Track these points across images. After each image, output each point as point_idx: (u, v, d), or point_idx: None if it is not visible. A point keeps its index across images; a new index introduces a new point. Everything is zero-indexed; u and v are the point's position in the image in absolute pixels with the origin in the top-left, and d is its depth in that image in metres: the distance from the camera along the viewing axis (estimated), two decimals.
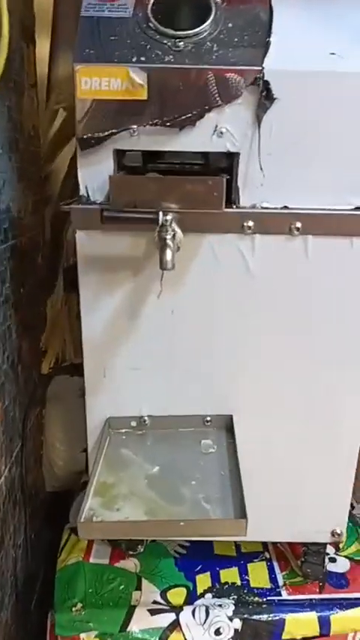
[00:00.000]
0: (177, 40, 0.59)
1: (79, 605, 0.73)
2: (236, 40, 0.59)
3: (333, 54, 0.58)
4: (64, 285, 0.92)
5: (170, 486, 0.60)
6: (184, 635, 0.71)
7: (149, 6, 0.60)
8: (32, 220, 0.90)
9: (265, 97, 0.58)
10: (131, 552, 0.81)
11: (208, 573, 0.79)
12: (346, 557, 0.84)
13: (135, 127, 0.59)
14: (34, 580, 0.91)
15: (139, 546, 0.81)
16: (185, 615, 0.72)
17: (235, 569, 0.80)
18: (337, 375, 0.67)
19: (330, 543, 0.78)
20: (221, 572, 0.80)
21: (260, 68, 0.57)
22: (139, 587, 0.76)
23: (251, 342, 0.66)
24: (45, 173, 1.01)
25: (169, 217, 0.55)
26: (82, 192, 0.62)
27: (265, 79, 0.57)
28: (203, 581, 0.78)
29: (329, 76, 0.58)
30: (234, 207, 0.62)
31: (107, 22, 0.60)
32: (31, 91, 0.92)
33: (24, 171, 0.84)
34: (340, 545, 0.85)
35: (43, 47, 0.97)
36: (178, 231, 0.56)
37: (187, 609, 0.73)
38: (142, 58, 0.58)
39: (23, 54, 0.86)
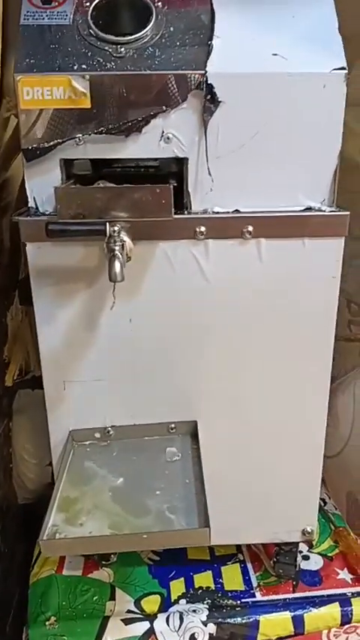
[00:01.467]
0: (118, 46, 0.58)
1: (53, 618, 0.72)
2: (178, 43, 0.58)
3: (276, 55, 0.58)
4: (19, 298, 0.91)
5: (135, 498, 0.59)
6: None
7: (89, 12, 0.59)
8: None
9: (210, 101, 0.57)
10: (104, 562, 0.80)
11: (182, 579, 0.79)
12: (319, 554, 0.85)
13: (80, 135, 0.58)
14: (9, 596, 0.90)
15: (112, 556, 0.80)
16: (159, 623, 0.72)
17: (209, 573, 0.80)
18: (297, 375, 0.67)
19: (302, 542, 0.79)
20: (195, 576, 0.80)
21: (203, 72, 0.57)
22: (112, 597, 0.76)
23: (211, 345, 0.66)
24: (1, 181, 0.99)
25: (116, 228, 0.55)
26: (31, 203, 0.61)
27: (209, 82, 0.57)
28: (177, 587, 0.78)
29: (273, 78, 0.58)
30: (186, 212, 0.61)
31: (47, 29, 0.59)
32: None
33: None
34: (313, 543, 0.86)
35: None
36: (128, 240, 0.56)
37: (162, 617, 0.73)
38: (84, 66, 0.57)
39: None
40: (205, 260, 0.62)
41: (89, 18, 0.59)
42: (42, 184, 0.60)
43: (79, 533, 0.54)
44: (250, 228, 0.61)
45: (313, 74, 0.58)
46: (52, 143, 0.58)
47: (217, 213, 0.61)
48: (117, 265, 0.53)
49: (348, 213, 0.61)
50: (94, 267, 0.62)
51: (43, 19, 0.60)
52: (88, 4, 0.60)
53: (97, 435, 0.69)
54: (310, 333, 0.65)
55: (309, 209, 0.62)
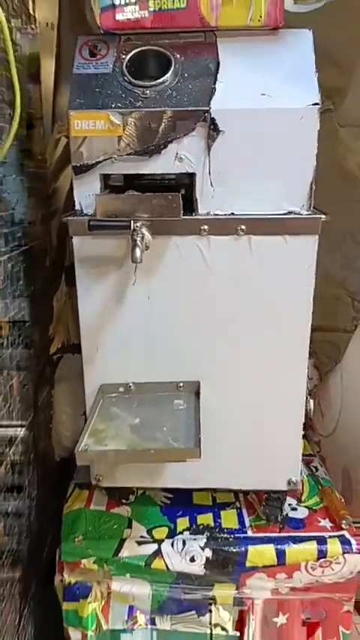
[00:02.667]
0: (145, 89, 0.77)
1: (81, 537, 0.90)
2: (190, 86, 0.77)
3: (264, 94, 0.76)
4: (65, 281, 1.11)
5: (147, 431, 0.77)
6: (164, 561, 0.87)
7: (125, 63, 0.79)
8: (41, 229, 1.09)
9: (213, 130, 0.75)
10: (124, 501, 0.98)
11: (187, 517, 0.95)
12: (306, 507, 0.99)
13: (115, 156, 0.77)
14: (45, 534, 1.08)
15: (131, 496, 0.98)
16: (166, 546, 0.89)
17: (209, 515, 0.96)
18: (281, 344, 0.83)
19: (288, 491, 0.94)
20: (198, 516, 0.96)
21: (208, 108, 0.75)
22: (129, 526, 0.93)
23: (212, 320, 0.84)
24: (51, 190, 1.20)
25: (138, 224, 0.73)
26: (77, 207, 0.81)
27: (212, 116, 0.75)
28: (182, 523, 0.94)
29: (261, 112, 0.76)
30: (193, 214, 0.79)
31: (93, 77, 0.79)
32: (38, 122, 1.11)
33: (34, 189, 1.03)
34: (302, 498, 1.01)
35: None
36: (147, 234, 0.74)
37: (168, 541, 0.89)
38: (119, 104, 0.76)
39: (31, 95, 1.05)
40: (208, 251, 0.80)
41: (124, 67, 0.79)
42: (86, 193, 0.79)
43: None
44: (243, 227, 0.78)
45: (293, 109, 0.75)
46: (94, 162, 0.78)
47: (217, 215, 0.79)
48: (137, 251, 0.72)
49: (321, 216, 0.78)
50: (122, 255, 0.81)
51: (90, 68, 0.80)
52: (124, 56, 0.80)
53: (121, 390, 0.87)
54: (291, 310, 0.82)
55: (290, 212, 0.79)
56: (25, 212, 0.97)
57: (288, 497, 0.97)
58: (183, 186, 0.82)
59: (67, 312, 1.13)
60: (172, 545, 0.89)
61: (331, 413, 1.19)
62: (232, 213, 0.79)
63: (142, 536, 0.91)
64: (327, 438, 1.24)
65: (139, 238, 0.73)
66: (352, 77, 1.06)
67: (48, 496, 1.11)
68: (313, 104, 0.75)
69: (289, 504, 0.98)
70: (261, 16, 0.77)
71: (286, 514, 0.96)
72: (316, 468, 1.11)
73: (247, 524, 0.95)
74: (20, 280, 0.94)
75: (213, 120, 0.75)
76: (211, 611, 0.91)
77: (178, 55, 0.79)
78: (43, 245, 1.11)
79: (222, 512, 0.97)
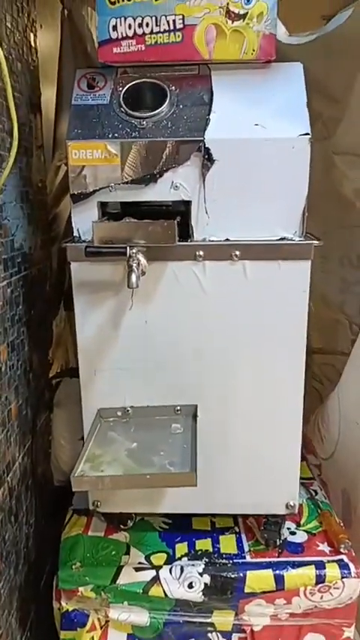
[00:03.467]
0: (141, 120, 0.79)
1: (78, 564, 0.89)
2: (185, 117, 0.79)
3: (257, 125, 0.78)
4: (64, 305, 1.12)
5: (144, 456, 0.77)
6: (162, 587, 0.87)
7: (121, 95, 0.81)
8: (41, 255, 1.11)
9: (207, 160, 0.77)
10: (122, 527, 0.97)
11: (186, 543, 0.95)
12: (304, 531, 0.98)
13: (112, 184, 0.79)
14: (43, 561, 1.07)
15: (129, 521, 0.97)
16: (164, 572, 0.88)
17: (208, 540, 0.95)
18: (277, 368, 0.84)
19: (286, 515, 0.93)
20: (197, 542, 0.95)
21: (202, 138, 0.77)
22: (127, 553, 0.92)
23: (209, 344, 0.84)
24: (51, 216, 1.22)
25: (134, 250, 0.75)
26: (75, 233, 0.82)
27: (207, 146, 0.77)
28: (181, 548, 0.94)
29: (254, 142, 0.78)
30: (189, 240, 0.81)
31: (91, 108, 0.82)
32: (39, 151, 1.13)
33: (33, 216, 1.05)
34: (301, 522, 1.00)
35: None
36: (143, 260, 0.76)
37: (166, 568, 0.89)
38: (116, 135, 0.79)
39: (32, 124, 1.08)
40: (203, 276, 0.81)
41: (121, 99, 0.81)
42: (84, 220, 0.81)
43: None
44: (238, 253, 0.80)
45: (285, 139, 0.77)
46: (91, 190, 0.79)
47: (212, 241, 0.80)
48: (133, 276, 0.73)
49: (313, 242, 0.79)
50: (119, 280, 0.82)
51: (88, 100, 0.83)
52: (120, 88, 0.83)
53: (119, 413, 0.87)
54: (286, 335, 0.83)
55: (283, 239, 0.80)
56: (25, 238, 0.99)
57: (287, 522, 0.96)
58: (179, 213, 0.83)
59: (66, 336, 1.14)
60: (171, 571, 0.88)
61: (330, 435, 1.19)
62: (227, 239, 0.80)
63: (140, 563, 0.90)
64: (326, 460, 1.24)
65: (135, 264, 0.74)
66: (345, 107, 1.09)
67: (46, 522, 1.10)
68: (304, 134, 0.77)
69: (288, 528, 0.98)
70: (254, 50, 0.79)
71: (285, 538, 0.95)
72: (315, 491, 1.11)
73: (246, 549, 0.94)
74: (20, 305, 0.95)
75: (207, 149, 0.77)
76: (210, 638, 0.89)
77: (174, 87, 0.82)
78: (44, 270, 1.13)
79: (221, 538, 0.96)
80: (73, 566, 0.89)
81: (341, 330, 1.31)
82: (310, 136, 0.77)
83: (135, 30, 0.79)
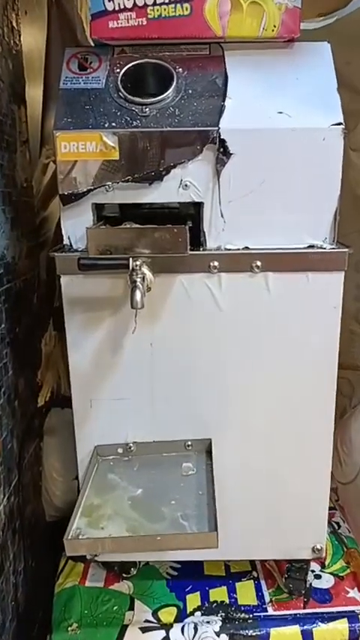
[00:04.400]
0: (143, 106, 0.67)
1: (75, 625, 0.77)
2: (195, 104, 0.67)
3: (281, 113, 0.66)
4: (54, 324, 1.00)
5: (151, 506, 0.65)
6: None
7: (119, 77, 0.69)
8: (28, 264, 0.98)
9: (223, 153, 0.65)
10: (125, 575, 0.85)
11: (198, 593, 0.83)
12: (330, 573, 0.87)
13: (110, 183, 0.67)
14: (35, 606, 0.95)
15: (132, 569, 0.85)
16: (175, 632, 0.76)
17: (224, 589, 0.84)
18: (303, 398, 0.73)
19: (312, 559, 0.82)
20: (210, 591, 0.83)
21: (217, 128, 0.65)
22: (131, 608, 0.80)
23: (225, 369, 0.73)
24: (39, 219, 1.09)
25: (138, 262, 0.62)
26: (66, 241, 0.70)
27: (222, 137, 0.65)
28: (193, 600, 0.82)
29: (278, 133, 0.66)
30: (201, 249, 0.69)
31: (83, 92, 0.69)
32: (24, 147, 1.01)
33: (18, 220, 0.92)
34: (326, 563, 0.89)
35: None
36: (148, 273, 0.63)
37: (177, 626, 0.77)
38: (114, 124, 0.66)
39: (15, 116, 0.95)
40: (219, 291, 0.69)
41: (119, 82, 0.69)
42: (76, 225, 0.68)
43: (100, 535, 0.60)
44: (259, 263, 0.68)
45: (314, 129, 0.66)
46: (85, 190, 0.67)
47: (229, 249, 0.68)
48: (138, 294, 0.61)
49: (347, 250, 0.68)
50: (119, 297, 0.70)
51: (80, 83, 0.70)
52: (118, 70, 0.70)
53: (120, 451, 0.75)
54: (315, 358, 0.71)
55: (311, 247, 0.68)
56: (7, 246, 0.86)
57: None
58: (188, 216, 0.71)
59: (57, 355, 1.01)
60: (183, 630, 0.76)
61: (352, 459, 1.08)
62: (247, 248, 0.68)
63: (146, 620, 0.78)
64: (347, 485, 1.13)
65: (139, 279, 0.62)
66: None
67: (37, 565, 0.97)
68: (336, 124, 0.66)
69: (313, 571, 0.87)
70: (275, 26, 0.68)
71: (310, 584, 0.84)
72: (338, 524, 1.00)
73: (267, 598, 0.82)
74: (2, 323, 0.83)
75: (223, 141, 0.65)
76: None
77: (181, 69, 0.70)
78: (30, 281, 1.00)
79: (237, 585, 0.85)
80: (69, 628, 0.77)
81: (357, 342, 1.20)
82: (344, 126, 0.66)
83: (135, 1, 0.67)
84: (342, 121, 0.66)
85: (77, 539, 0.58)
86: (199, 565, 0.87)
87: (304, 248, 0.68)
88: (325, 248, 0.68)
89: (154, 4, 0.67)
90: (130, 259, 0.63)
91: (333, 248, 0.68)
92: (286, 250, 0.68)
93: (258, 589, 0.84)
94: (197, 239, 0.69)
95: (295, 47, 0.71)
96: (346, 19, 1.01)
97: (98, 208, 0.70)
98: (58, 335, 1.01)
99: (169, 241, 0.63)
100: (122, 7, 0.66)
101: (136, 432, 0.75)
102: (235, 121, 0.66)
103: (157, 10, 0.67)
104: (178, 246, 0.63)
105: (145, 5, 0.66)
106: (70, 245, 0.70)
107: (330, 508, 1.02)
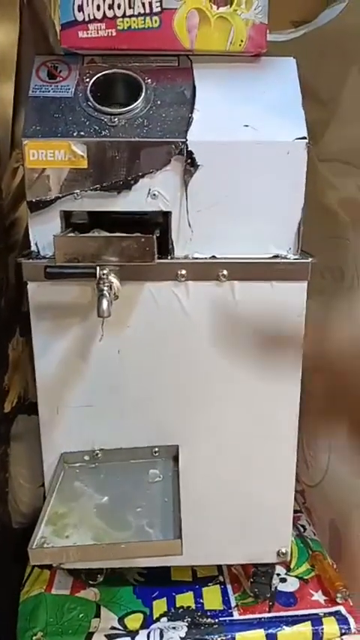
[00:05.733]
0: (112, 116, 0.68)
1: (40, 634, 0.76)
2: (164, 115, 0.68)
3: (247, 126, 0.68)
4: (20, 330, 0.99)
5: (117, 514, 0.65)
6: None
7: (88, 87, 0.69)
8: None
9: (190, 164, 0.66)
10: (91, 582, 0.85)
11: (165, 599, 0.83)
12: (295, 576, 0.89)
13: (78, 191, 0.67)
14: (1, 617, 0.93)
15: (99, 576, 0.85)
16: (141, 639, 0.76)
17: (190, 594, 0.85)
18: (268, 404, 0.74)
19: (277, 563, 0.83)
20: (177, 597, 0.84)
21: (184, 140, 0.66)
22: (97, 615, 0.80)
23: (192, 377, 0.73)
24: (8, 222, 1.08)
25: (105, 271, 0.63)
26: (33, 248, 0.70)
27: (189, 149, 0.66)
28: (159, 606, 0.82)
29: (244, 145, 0.67)
30: (169, 257, 0.70)
31: (52, 101, 0.69)
32: None
33: None
34: (291, 566, 0.91)
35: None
36: (115, 281, 0.64)
37: (143, 633, 0.77)
38: (82, 133, 0.67)
39: None
40: (186, 299, 0.70)
41: (88, 92, 0.69)
42: (43, 232, 0.68)
43: (65, 544, 0.60)
44: (225, 272, 0.69)
45: (279, 142, 0.67)
46: (53, 197, 0.67)
47: (196, 258, 0.69)
48: (104, 303, 0.61)
49: (310, 260, 0.70)
50: (86, 304, 0.70)
51: (49, 91, 0.70)
52: (87, 79, 0.71)
53: (87, 458, 0.75)
54: (279, 362, 0.73)
55: (276, 256, 0.70)
56: None
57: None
58: (156, 225, 0.72)
59: (24, 361, 1.00)
60: (149, 637, 0.77)
61: (318, 463, 1.10)
62: (213, 257, 0.69)
63: (112, 627, 0.78)
64: (313, 488, 1.15)
65: (106, 288, 0.62)
66: (333, 110, 1.00)
67: (3, 574, 0.96)
68: (301, 137, 0.67)
69: (278, 574, 0.88)
70: (242, 41, 0.69)
71: (276, 587, 0.85)
72: (303, 527, 1.02)
73: (233, 603, 0.83)
74: None
75: (190, 153, 0.66)
76: None
77: (150, 80, 0.70)
78: None
79: (204, 590, 0.86)
80: (34, 637, 0.76)
81: None
82: (307, 140, 0.67)
83: (105, 12, 0.67)
84: (306, 135, 0.68)
85: (42, 548, 0.58)
86: (167, 571, 0.88)
87: (269, 258, 0.70)
88: (289, 258, 0.70)
89: (124, 15, 0.67)
90: (98, 268, 0.63)
91: (297, 258, 0.70)
92: (252, 260, 0.69)
93: (224, 594, 0.85)
94: (165, 247, 0.69)
95: (262, 61, 0.73)
96: (313, 31, 1.03)
97: (66, 215, 0.70)
98: (25, 340, 1.00)
99: (137, 250, 0.64)
100: (92, 17, 0.67)
101: (103, 439, 0.75)
102: (203, 133, 0.67)
103: (127, 22, 0.67)
104: (146, 255, 0.64)
105: (115, 17, 0.67)
106: (38, 251, 0.70)
107: (296, 511, 1.04)
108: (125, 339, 0.72)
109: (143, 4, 0.67)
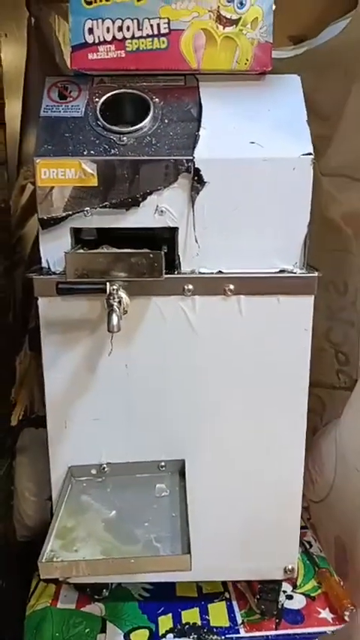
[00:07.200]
0: (121, 135, 0.69)
1: None
2: (171, 133, 0.70)
3: (253, 143, 0.69)
4: (29, 344, 1.00)
5: (125, 529, 0.65)
6: None
7: (98, 107, 0.71)
8: (3, 283, 0.98)
9: (197, 182, 0.68)
10: (97, 597, 0.84)
11: (170, 614, 0.83)
12: (302, 594, 0.88)
13: (88, 208, 0.68)
14: (5, 627, 0.93)
15: (104, 590, 0.85)
16: None
17: (196, 610, 0.84)
18: (275, 419, 0.74)
19: (284, 580, 0.83)
20: (183, 612, 0.83)
21: (191, 157, 0.68)
22: (103, 630, 0.80)
23: (199, 391, 0.74)
24: (15, 238, 1.10)
25: (115, 286, 0.64)
26: (44, 264, 0.71)
27: (196, 166, 0.67)
28: (165, 622, 0.81)
29: (250, 162, 0.68)
30: (176, 272, 0.70)
31: (62, 120, 0.71)
32: (2, 168, 1.02)
33: None
34: (298, 583, 0.90)
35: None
36: (125, 297, 0.65)
37: None
38: (92, 152, 0.68)
39: None
40: (193, 313, 0.71)
41: (98, 111, 0.71)
42: (54, 248, 0.69)
43: (74, 558, 0.60)
44: (232, 287, 0.70)
45: (285, 159, 0.68)
46: (64, 215, 0.68)
47: (203, 273, 0.70)
48: (114, 318, 0.62)
49: (316, 274, 0.70)
50: (95, 319, 0.71)
51: (60, 111, 0.72)
52: (97, 99, 0.72)
53: (94, 472, 0.75)
54: (286, 380, 0.73)
55: (282, 271, 0.71)
56: None
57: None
58: (164, 240, 0.73)
59: (31, 374, 1.01)
60: None
61: (324, 478, 1.09)
62: (220, 272, 0.70)
63: None
64: (318, 503, 1.14)
65: (115, 303, 0.63)
66: (335, 125, 1.02)
67: (8, 586, 0.96)
68: (306, 154, 0.69)
69: (284, 591, 0.87)
70: (247, 60, 0.71)
71: (282, 604, 0.85)
72: (309, 543, 1.01)
73: (239, 620, 0.83)
74: None
75: (197, 170, 0.67)
76: None
77: (157, 100, 0.72)
78: (6, 300, 1.00)
79: (210, 606, 0.85)
80: None
81: (327, 360, 1.23)
82: (313, 157, 0.69)
83: (114, 34, 0.69)
84: (312, 151, 0.69)
85: (51, 561, 0.58)
86: (172, 586, 0.87)
87: (276, 272, 0.71)
88: (295, 273, 0.71)
89: (133, 37, 0.69)
90: (108, 283, 0.64)
91: (303, 273, 0.71)
92: (258, 274, 0.70)
93: (230, 610, 0.84)
94: (172, 262, 0.70)
95: (267, 79, 0.74)
96: (314, 48, 1.05)
97: (76, 232, 0.71)
98: (31, 354, 1.00)
99: (146, 266, 0.65)
100: (102, 39, 0.69)
101: (110, 453, 0.76)
102: (209, 151, 0.68)
103: (135, 44, 0.69)
104: (154, 271, 0.65)
105: (124, 39, 0.69)
106: (48, 267, 0.71)
107: (301, 527, 1.03)
108: (132, 354, 0.72)
109: (151, 26, 0.69)
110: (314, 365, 1.23)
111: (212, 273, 0.70)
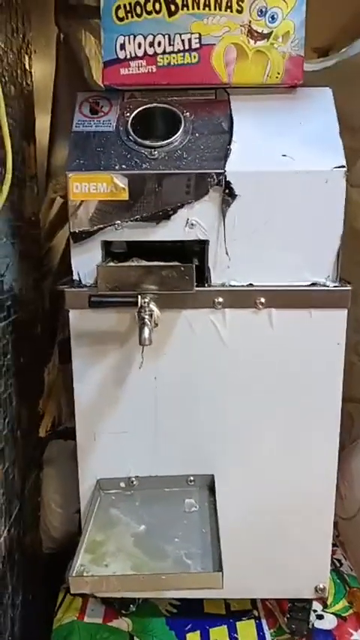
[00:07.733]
0: (152, 149, 0.70)
1: None
2: (202, 147, 0.70)
3: (284, 156, 0.69)
4: (59, 356, 1.00)
5: (155, 544, 0.65)
6: None
7: (129, 121, 0.72)
8: (32, 294, 1.00)
9: (228, 194, 0.68)
10: (124, 612, 0.84)
11: (198, 632, 0.81)
12: (333, 613, 0.86)
13: (119, 222, 0.69)
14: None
15: (132, 605, 0.84)
16: None
17: (224, 628, 0.82)
18: (306, 435, 0.73)
19: (315, 599, 0.81)
20: (211, 630, 0.82)
21: (222, 171, 0.68)
22: None
23: (229, 405, 0.73)
24: (44, 250, 1.11)
25: (147, 299, 0.64)
26: (75, 276, 0.71)
27: (227, 179, 0.67)
28: (193, 639, 0.80)
29: (282, 175, 0.68)
30: (206, 285, 0.70)
31: (94, 135, 0.72)
32: (32, 182, 1.03)
33: (25, 253, 0.94)
34: (328, 602, 0.88)
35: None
36: (156, 310, 0.65)
37: None
38: (124, 166, 0.69)
39: (24, 152, 0.98)
40: (223, 326, 0.71)
41: (129, 126, 0.72)
42: (85, 261, 0.70)
43: (104, 573, 0.59)
44: (262, 300, 0.69)
45: (317, 172, 0.68)
46: (95, 228, 0.69)
47: (233, 286, 0.70)
48: (146, 331, 0.62)
49: (349, 288, 0.69)
50: (125, 331, 0.71)
51: (91, 126, 0.73)
52: (128, 114, 0.73)
53: (122, 485, 0.75)
54: (318, 395, 0.72)
55: (314, 284, 0.70)
56: (15, 278, 0.88)
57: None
58: (193, 253, 0.73)
59: (59, 386, 1.01)
60: None
61: (353, 493, 1.07)
62: (251, 284, 0.70)
63: None
64: (348, 520, 1.11)
65: (147, 316, 0.63)
66: None
67: (34, 597, 0.96)
68: (339, 166, 0.68)
69: (314, 611, 0.85)
70: (279, 73, 0.71)
71: (313, 624, 0.83)
72: (339, 561, 0.98)
73: (269, 639, 0.81)
74: (8, 354, 0.84)
75: (228, 183, 0.67)
76: None
77: (188, 113, 0.72)
78: (35, 312, 1.01)
79: (238, 625, 0.83)
80: None
81: (356, 374, 1.21)
82: (346, 169, 0.68)
83: (145, 49, 0.70)
84: (344, 163, 0.68)
85: (82, 576, 0.58)
86: (199, 603, 0.86)
87: (307, 286, 0.70)
88: (327, 286, 0.70)
89: (164, 52, 0.70)
90: (139, 296, 0.64)
91: (336, 286, 0.70)
92: (290, 288, 0.70)
93: (259, 629, 0.83)
94: (202, 275, 0.70)
95: (298, 92, 0.74)
96: (343, 60, 1.04)
97: (107, 245, 0.71)
98: (59, 366, 1.01)
99: (177, 279, 0.65)
100: (133, 55, 0.69)
101: (139, 466, 0.75)
102: (241, 164, 0.68)
103: (167, 59, 0.70)
104: (185, 284, 0.65)
105: (155, 54, 0.70)
106: (79, 280, 0.71)
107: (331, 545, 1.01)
108: (162, 367, 0.72)
109: (182, 42, 0.70)
110: (344, 380, 1.21)
111: (243, 286, 0.70)
